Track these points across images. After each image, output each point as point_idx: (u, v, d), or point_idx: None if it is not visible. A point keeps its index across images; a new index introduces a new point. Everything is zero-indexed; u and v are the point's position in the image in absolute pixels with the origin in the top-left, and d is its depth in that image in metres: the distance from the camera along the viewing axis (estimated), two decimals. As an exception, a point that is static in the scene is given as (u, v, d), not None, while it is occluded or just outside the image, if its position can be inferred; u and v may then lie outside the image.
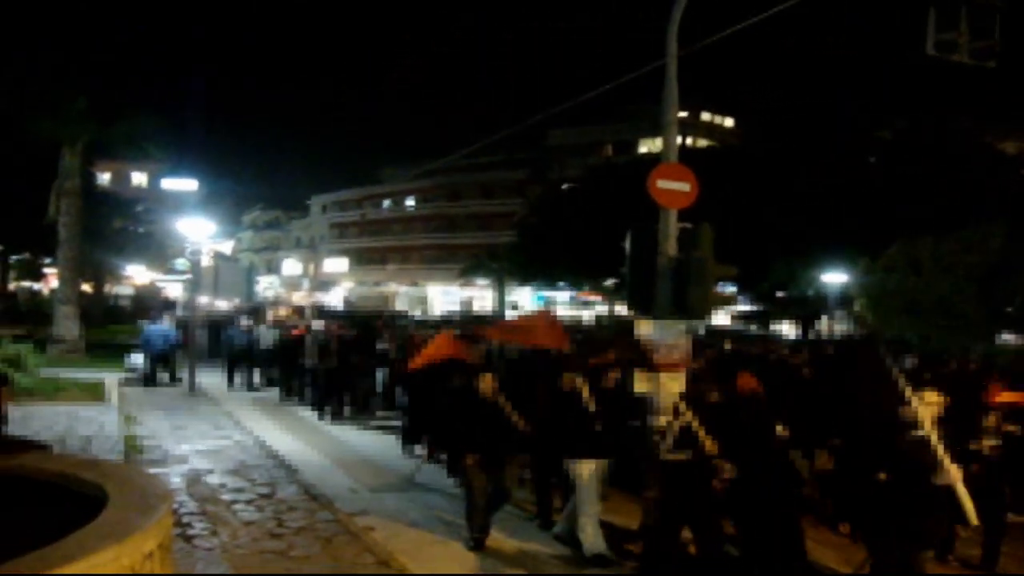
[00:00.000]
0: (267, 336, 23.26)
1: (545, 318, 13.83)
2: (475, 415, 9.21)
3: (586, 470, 9.00)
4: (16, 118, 27.45)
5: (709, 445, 7.95)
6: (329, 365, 18.42)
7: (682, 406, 8.29)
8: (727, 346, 20.41)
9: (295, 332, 21.65)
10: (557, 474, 9.77)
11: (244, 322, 24.72)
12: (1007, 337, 34.82)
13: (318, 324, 21.66)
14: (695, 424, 8.07)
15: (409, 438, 14.08)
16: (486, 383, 9.46)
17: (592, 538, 8.76)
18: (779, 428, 8.13)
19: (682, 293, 9.76)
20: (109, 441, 13.52)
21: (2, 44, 26.18)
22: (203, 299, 27.10)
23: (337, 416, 17.95)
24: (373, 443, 15.13)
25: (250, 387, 22.71)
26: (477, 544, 8.87)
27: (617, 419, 9.63)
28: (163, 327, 23.45)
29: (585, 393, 9.35)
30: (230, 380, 23.03)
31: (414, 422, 13.88)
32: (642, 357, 9.20)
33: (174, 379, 22.92)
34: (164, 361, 23.11)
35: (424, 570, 8.26)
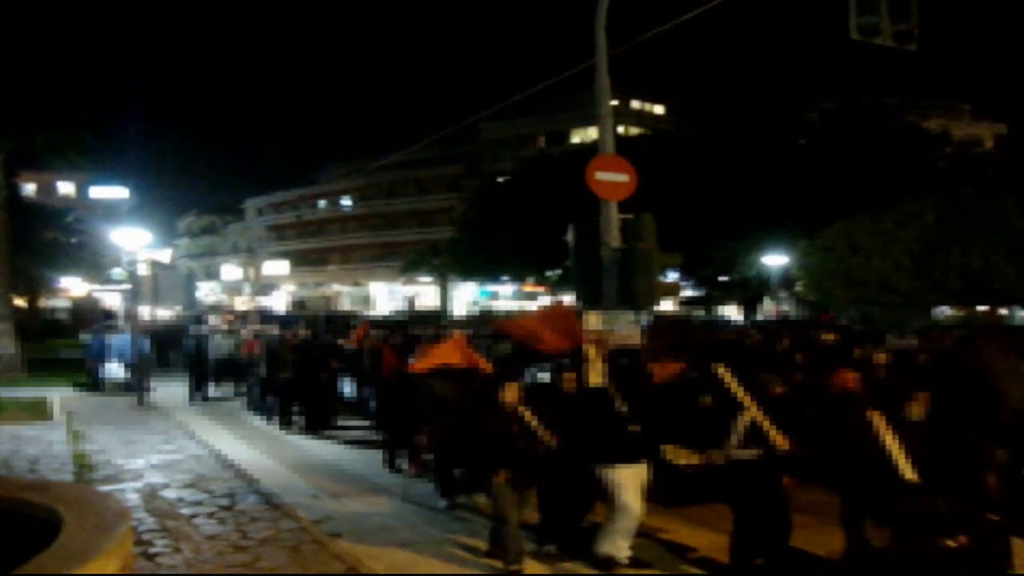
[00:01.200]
0: (223, 345, 22.98)
1: (562, 314, 12.09)
2: (502, 429, 8.41)
3: (624, 477, 8.23)
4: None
5: (780, 440, 7.65)
6: (286, 375, 17.69)
7: (747, 400, 7.83)
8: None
9: (247, 345, 21.16)
10: (578, 484, 8.84)
11: (202, 330, 24.50)
12: (944, 309, 35.70)
13: (271, 331, 21.55)
14: (762, 419, 7.71)
15: (392, 452, 13.16)
16: (511, 394, 8.65)
17: (617, 549, 8.21)
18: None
19: (628, 284, 9.91)
20: (58, 460, 13.30)
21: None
22: (143, 308, 26.75)
23: (301, 427, 17.14)
24: (338, 453, 14.80)
25: (206, 398, 22.25)
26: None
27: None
28: (124, 337, 23.28)
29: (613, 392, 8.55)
30: (196, 389, 22.37)
31: (398, 434, 12.97)
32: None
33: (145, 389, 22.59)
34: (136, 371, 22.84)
35: (396, 571, 8.26)
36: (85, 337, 26.84)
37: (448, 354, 11.06)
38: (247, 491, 11.33)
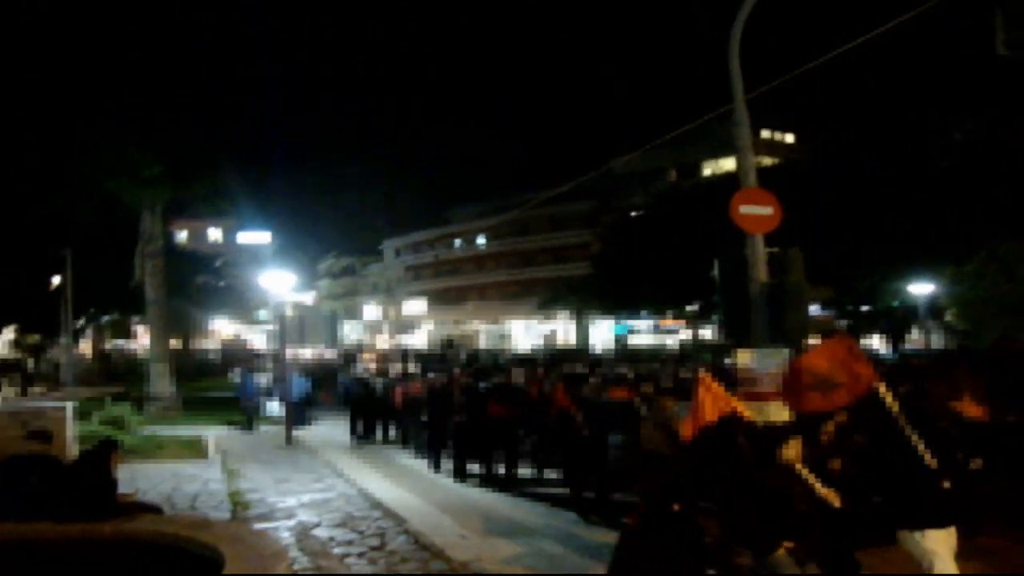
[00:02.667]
0: (378, 386, 23.16)
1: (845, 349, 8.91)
2: (782, 491, 7.29)
3: (936, 543, 6.87)
4: (97, 184, 28.34)
5: None
6: (459, 419, 16.44)
7: None
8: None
9: (415, 388, 20.13)
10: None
11: (357, 370, 24.94)
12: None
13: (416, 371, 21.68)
14: None
15: (585, 509, 12.17)
16: (794, 450, 7.45)
17: None
18: None
19: (778, 319, 9.65)
20: (215, 497, 13.76)
21: (82, 112, 27.02)
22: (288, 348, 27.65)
23: (482, 479, 15.68)
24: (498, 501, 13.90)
25: (366, 439, 22.15)
26: None
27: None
28: (296, 377, 24.34)
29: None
30: (355, 431, 22.56)
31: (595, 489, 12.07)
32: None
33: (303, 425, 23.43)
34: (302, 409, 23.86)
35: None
36: (234, 377, 27.82)
37: (719, 404, 8.69)
38: (396, 531, 11.44)
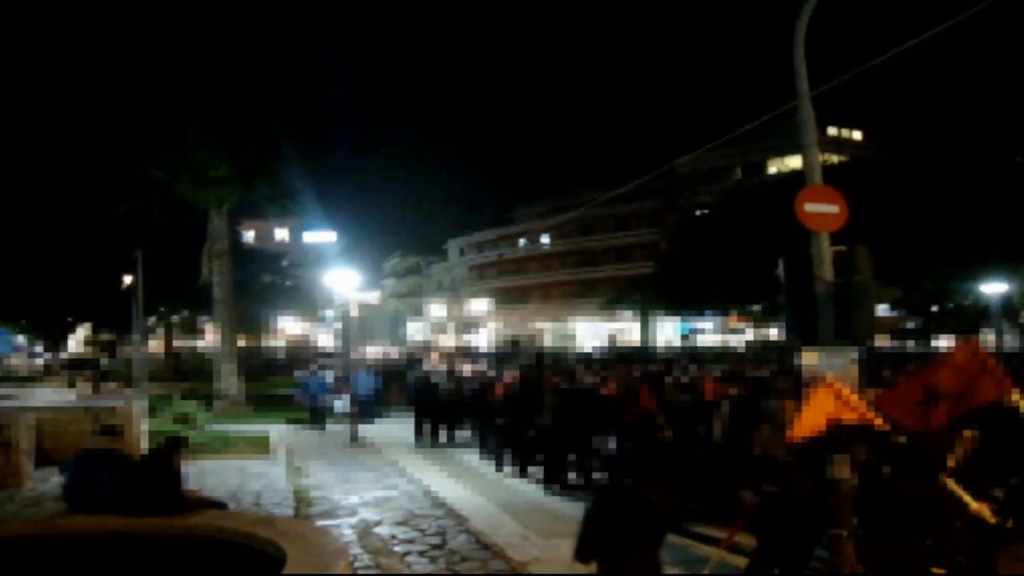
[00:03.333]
0: (445, 386, 22.36)
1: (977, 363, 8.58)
2: (936, 510, 6.78)
3: None
4: (166, 185, 28.88)
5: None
6: (545, 421, 15.23)
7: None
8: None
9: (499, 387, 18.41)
10: None
11: (426, 368, 24.94)
12: None
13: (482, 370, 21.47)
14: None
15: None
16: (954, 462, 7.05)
17: None
18: None
19: (845, 319, 9.46)
20: (279, 494, 13.93)
21: (151, 117, 27.59)
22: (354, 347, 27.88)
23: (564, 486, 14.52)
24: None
25: (435, 440, 21.33)
26: None
27: None
28: (365, 375, 24.82)
29: None
30: (421, 432, 21.87)
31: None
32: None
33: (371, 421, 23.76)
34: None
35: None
36: (300, 375, 28.09)
37: (827, 409, 8.30)
38: (457, 530, 11.44)
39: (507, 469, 16.77)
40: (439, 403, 21.98)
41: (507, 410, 17.06)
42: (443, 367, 25.60)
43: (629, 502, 6.46)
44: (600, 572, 6.38)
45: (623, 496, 6.62)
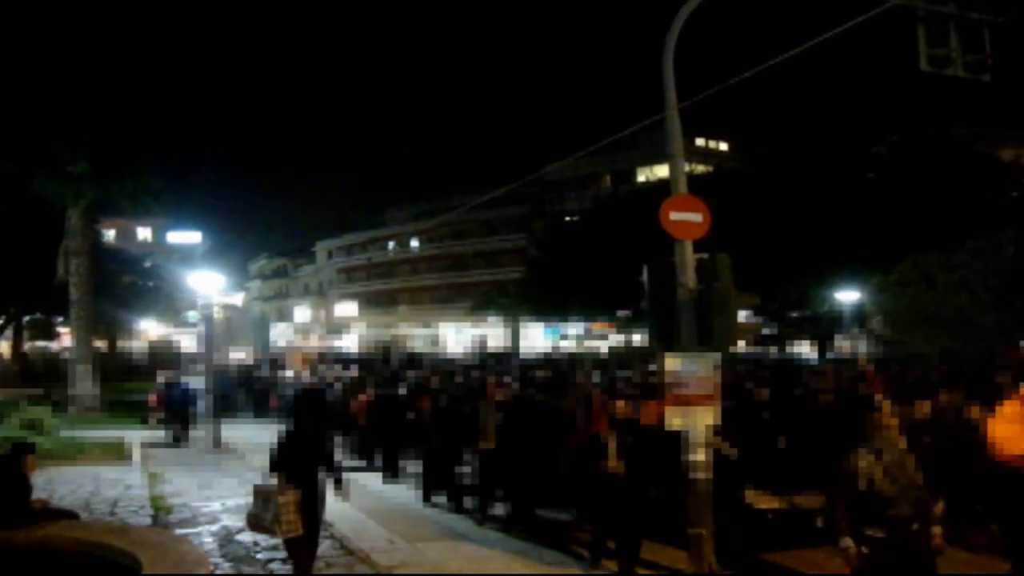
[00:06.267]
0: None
1: None
2: None
3: None
4: (20, 179, 27.62)
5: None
6: (487, 445, 12.55)
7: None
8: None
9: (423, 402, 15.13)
10: None
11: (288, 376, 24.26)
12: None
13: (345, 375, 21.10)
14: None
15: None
16: None
17: None
18: None
19: (706, 325, 9.73)
20: (136, 502, 13.45)
21: (4, 106, 26.23)
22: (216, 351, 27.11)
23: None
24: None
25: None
26: None
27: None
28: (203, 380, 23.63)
29: None
30: None
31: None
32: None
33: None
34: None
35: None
36: (161, 380, 27.14)
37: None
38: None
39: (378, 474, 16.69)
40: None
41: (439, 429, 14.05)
42: (306, 373, 25.18)
43: None
44: None
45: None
